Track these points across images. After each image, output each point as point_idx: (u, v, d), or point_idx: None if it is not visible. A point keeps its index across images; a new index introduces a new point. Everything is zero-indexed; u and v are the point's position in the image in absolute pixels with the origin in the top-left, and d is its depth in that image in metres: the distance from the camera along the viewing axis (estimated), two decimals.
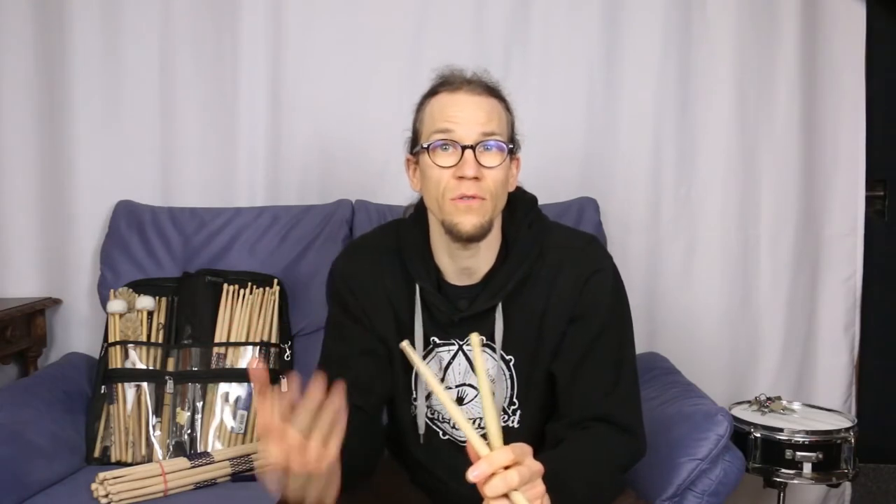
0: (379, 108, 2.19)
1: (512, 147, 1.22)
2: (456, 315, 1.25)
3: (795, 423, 1.85)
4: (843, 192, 2.28)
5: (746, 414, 1.90)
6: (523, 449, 0.93)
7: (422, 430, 1.31)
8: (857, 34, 2.23)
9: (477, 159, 1.17)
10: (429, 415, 1.31)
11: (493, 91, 1.23)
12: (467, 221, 1.17)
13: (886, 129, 2.35)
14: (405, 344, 0.95)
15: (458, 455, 1.31)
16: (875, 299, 2.35)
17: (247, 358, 1.90)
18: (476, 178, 1.16)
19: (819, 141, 2.26)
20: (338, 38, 2.20)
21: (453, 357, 1.28)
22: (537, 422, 1.28)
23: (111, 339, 1.91)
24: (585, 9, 2.20)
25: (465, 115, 1.19)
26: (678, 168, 2.23)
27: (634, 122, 2.22)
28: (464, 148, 1.17)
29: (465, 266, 1.25)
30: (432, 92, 1.24)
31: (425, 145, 1.20)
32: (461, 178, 1.17)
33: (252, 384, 0.97)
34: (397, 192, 2.11)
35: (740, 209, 2.24)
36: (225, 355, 1.89)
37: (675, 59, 2.21)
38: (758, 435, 1.81)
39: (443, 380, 1.29)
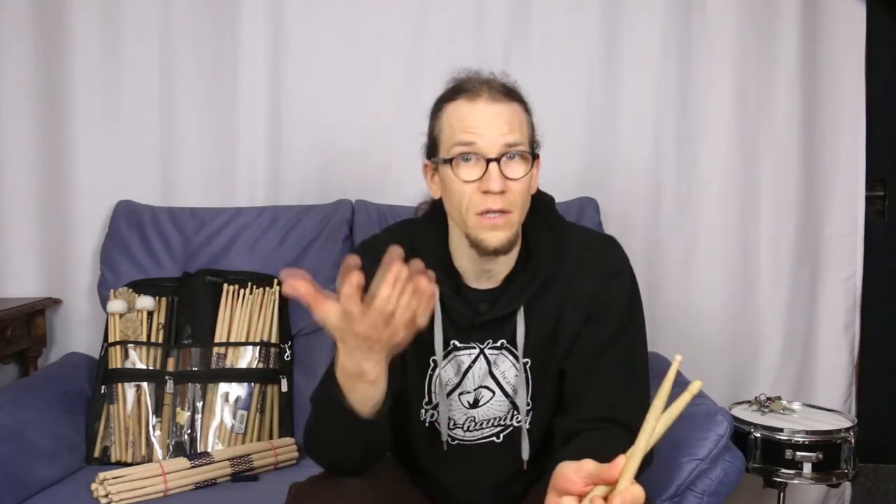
0: (379, 108, 2.19)
1: (534, 155, 1.20)
2: (477, 319, 1.23)
3: (795, 423, 1.85)
4: (843, 192, 2.28)
5: (746, 414, 1.90)
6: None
7: (444, 437, 1.29)
8: (857, 34, 2.23)
9: (501, 171, 1.14)
10: (437, 419, 1.30)
11: (512, 94, 1.20)
12: (494, 238, 1.16)
13: (886, 129, 2.36)
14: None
15: (469, 459, 1.30)
16: (875, 299, 2.35)
17: (247, 358, 1.90)
18: (501, 192, 1.14)
19: (819, 141, 2.26)
20: (338, 38, 2.19)
21: (474, 361, 1.26)
22: (547, 419, 1.27)
23: (111, 339, 1.91)
24: (585, 9, 2.19)
25: (486, 126, 1.15)
26: (678, 168, 2.23)
27: (634, 122, 2.22)
28: (488, 161, 1.14)
29: (486, 269, 1.24)
30: (449, 97, 1.20)
31: (447, 158, 1.17)
32: (486, 191, 1.14)
33: (302, 299, 0.94)
34: (397, 192, 2.11)
35: (740, 209, 2.24)
36: (225, 355, 1.89)
37: (675, 59, 2.21)
38: (758, 435, 1.81)
39: (460, 383, 1.27)
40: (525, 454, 1.27)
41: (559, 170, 2.17)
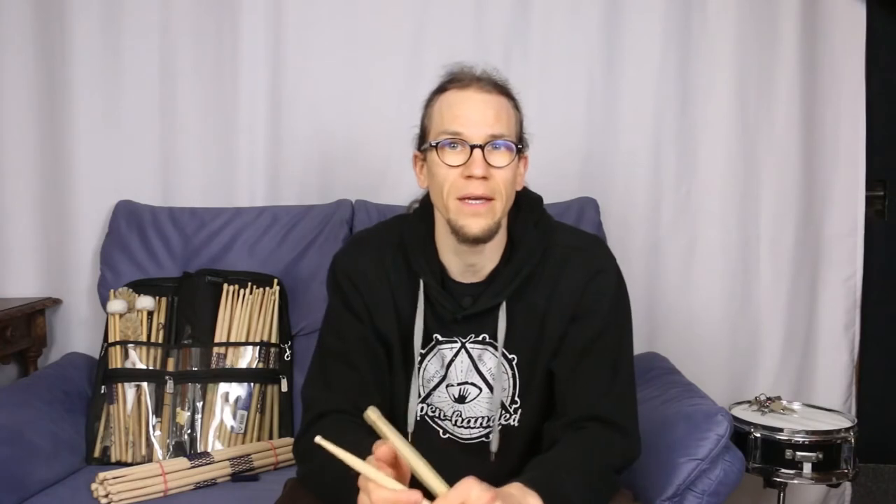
0: (379, 108, 2.19)
1: (520, 146, 1.22)
2: (459, 312, 1.25)
3: (795, 423, 1.85)
4: (843, 192, 2.27)
5: (746, 414, 1.90)
6: (466, 486, 0.95)
7: (410, 427, 1.30)
8: (857, 34, 2.23)
9: (485, 158, 1.17)
10: (430, 412, 1.31)
11: (502, 89, 1.22)
12: (475, 224, 1.18)
13: (886, 129, 2.35)
14: (370, 412, 0.99)
15: (459, 457, 1.31)
16: (875, 299, 2.35)
17: (247, 358, 1.90)
18: (484, 178, 1.16)
19: (819, 141, 2.26)
20: (338, 38, 2.20)
21: (456, 354, 1.28)
22: (537, 420, 1.28)
23: (111, 339, 1.91)
24: (585, 9, 2.20)
25: (474, 114, 1.18)
26: (678, 168, 2.23)
27: (634, 121, 2.22)
28: (472, 147, 1.17)
29: (470, 263, 1.25)
30: (441, 89, 1.23)
31: (434, 143, 1.19)
32: (469, 177, 1.16)
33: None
34: (397, 192, 2.11)
35: (740, 209, 2.24)
36: (225, 355, 1.89)
37: (675, 59, 2.20)
38: (758, 435, 1.81)
39: (444, 377, 1.29)
40: (494, 447, 1.28)
41: (559, 170, 2.18)
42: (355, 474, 1.03)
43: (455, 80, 1.22)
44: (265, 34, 2.18)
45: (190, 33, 2.19)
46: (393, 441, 0.98)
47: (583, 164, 2.22)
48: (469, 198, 1.17)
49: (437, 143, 1.19)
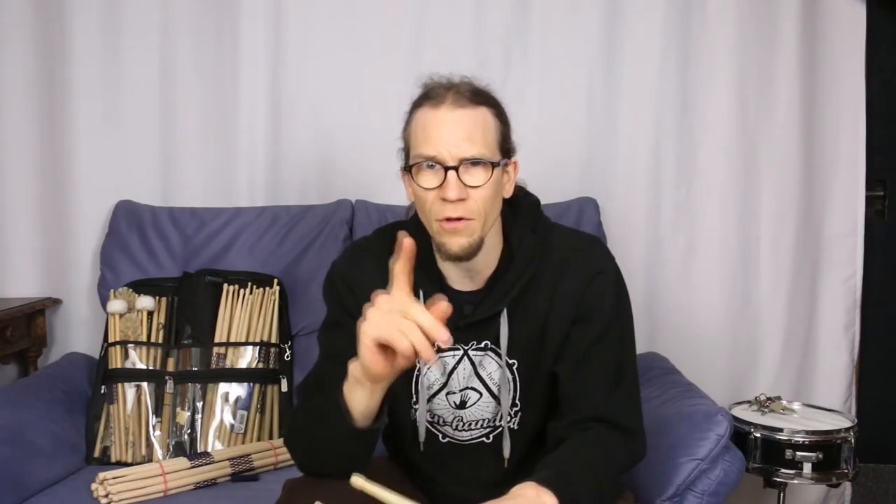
0: (379, 108, 2.18)
1: (497, 163, 1.18)
2: (461, 321, 1.24)
3: (795, 423, 1.85)
4: (843, 192, 2.27)
5: (746, 414, 1.90)
6: None
7: (422, 437, 1.31)
8: (857, 34, 2.23)
9: (461, 179, 1.14)
10: (429, 418, 1.31)
11: (479, 99, 1.18)
12: (455, 243, 1.17)
13: (886, 129, 2.35)
14: (356, 479, 1.01)
15: (458, 458, 1.31)
16: (875, 299, 2.35)
17: (247, 358, 1.90)
18: (461, 199, 1.14)
19: (819, 141, 2.26)
20: (338, 38, 2.20)
21: (458, 362, 1.27)
22: (537, 422, 1.29)
23: (111, 339, 1.91)
24: (585, 9, 2.19)
25: (446, 136, 1.15)
26: (678, 168, 2.23)
27: (634, 122, 2.21)
28: (447, 169, 1.14)
29: (467, 269, 1.25)
30: (417, 104, 1.21)
31: (410, 165, 1.18)
32: (445, 199, 1.15)
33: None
34: (397, 192, 2.08)
35: (740, 209, 2.24)
36: (225, 355, 1.89)
37: (675, 59, 2.20)
38: (758, 435, 1.81)
39: (446, 383, 1.28)
40: (506, 452, 1.29)
41: (559, 170, 2.18)
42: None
43: (427, 98, 1.19)
44: (265, 34, 2.19)
45: (190, 33, 2.19)
46: (387, 499, 1.00)
47: (583, 164, 2.22)
48: (447, 220, 1.16)
49: (413, 166, 1.17)
